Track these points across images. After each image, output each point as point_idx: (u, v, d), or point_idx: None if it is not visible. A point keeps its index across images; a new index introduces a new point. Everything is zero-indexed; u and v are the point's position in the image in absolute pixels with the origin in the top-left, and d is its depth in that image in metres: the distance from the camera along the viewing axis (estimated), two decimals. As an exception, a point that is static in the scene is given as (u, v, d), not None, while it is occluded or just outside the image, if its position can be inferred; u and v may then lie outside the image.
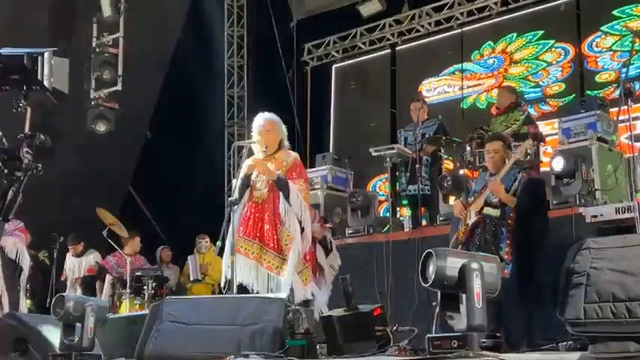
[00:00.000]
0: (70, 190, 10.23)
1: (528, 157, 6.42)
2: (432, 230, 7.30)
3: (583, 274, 3.42)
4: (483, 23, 11.13)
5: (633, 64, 8.90)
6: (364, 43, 12.23)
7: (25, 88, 3.54)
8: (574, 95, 9.87)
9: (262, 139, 5.47)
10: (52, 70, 3.58)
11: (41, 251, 9.39)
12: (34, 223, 7.54)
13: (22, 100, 3.53)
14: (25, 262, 7.12)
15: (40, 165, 3.48)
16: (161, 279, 8.68)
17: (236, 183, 5.52)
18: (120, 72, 9.82)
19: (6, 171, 3.41)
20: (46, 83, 3.55)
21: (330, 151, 11.16)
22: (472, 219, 5.41)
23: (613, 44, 9.80)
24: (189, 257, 9.34)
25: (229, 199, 5.46)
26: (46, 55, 3.56)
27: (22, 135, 3.50)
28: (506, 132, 7.04)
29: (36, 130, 3.55)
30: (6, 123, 3.58)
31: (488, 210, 5.36)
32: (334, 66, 12.69)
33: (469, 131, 7.65)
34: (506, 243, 5.22)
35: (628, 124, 5.17)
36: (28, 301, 7.62)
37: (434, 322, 4.10)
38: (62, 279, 9.38)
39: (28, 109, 3.56)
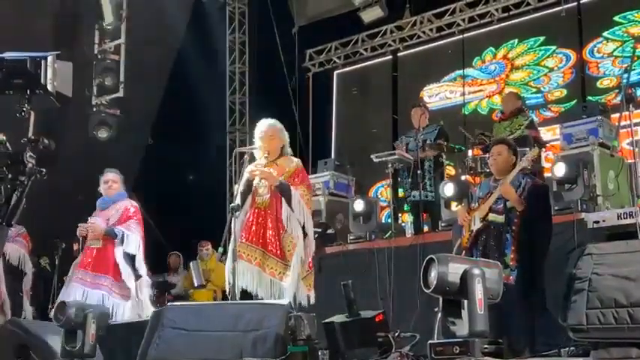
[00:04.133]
0: (72, 197, 10.22)
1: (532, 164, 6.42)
2: (434, 236, 7.28)
3: (585, 279, 3.42)
4: (485, 29, 11.15)
5: (635, 69, 8.91)
6: (366, 49, 12.25)
7: (28, 92, 3.53)
8: (575, 101, 9.87)
9: (264, 145, 5.47)
10: (56, 73, 3.57)
11: (42, 257, 9.39)
12: (35, 229, 7.54)
13: (26, 105, 3.53)
14: (28, 268, 7.13)
15: (44, 170, 3.47)
16: (163, 285, 8.68)
17: (238, 189, 5.52)
18: (122, 78, 9.84)
19: (10, 176, 3.40)
20: (49, 87, 3.55)
21: (332, 157, 11.17)
22: (476, 225, 5.40)
23: (614, 50, 9.81)
24: (191, 263, 9.32)
25: (231, 205, 5.46)
26: (49, 59, 3.56)
27: (26, 139, 3.49)
28: (511, 137, 7.04)
29: (39, 136, 3.54)
30: (10, 127, 3.57)
31: (493, 216, 5.35)
32: (336, 72, 12.71)
33: (471, 136, 7.67)
34: (512, 249, 5.21)
35: (629, 129, 5.17)
36: (31, 308, 7.60)
37: (436, 328, 4.10)
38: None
39: (32, 114, 3.55)
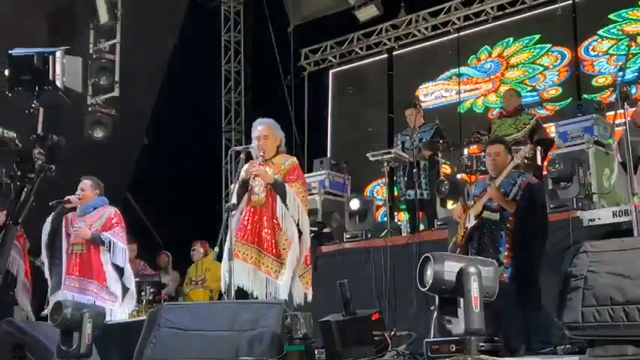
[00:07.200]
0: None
1: (526, 161, 6.43)
2: (430, 235, 7.29)
3: (581, 277, 3.43)
4: (480, 28, 11.15)
5: (629, 67, 8.92)
6: (361, 48, 12.24)
7: (36, 88, 3.50)
8: (571, 99, 9.88)
9: (260, 145, 5.47)
10: (64, 69, 3.54)
11: (38, 258, 9.35)
12: (30, 229, 7.52)
13: (35, 101, 3.50)
14: (18, 269, 7.08)
15: (53, 166, 3.44)
16: (159, 285, 8.66)
17: (234, 188, 5.52)
18: (117, 78, 9.79)
19: (19, 173, 3.37)
20: (58, 83, 3.51)
21: (328, 156, 11.16)
22: (471, 222, 5.41)
23: (609, 48, 9.82)
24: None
25: (227, 204, 5.46)
26: (57, 54, 3.52)
27: (35, 136, 3.46)
28: (517, 135, 7.09)
29: (47, 133, 3.51)
30: (18, 124, 3.54)
31: (487, 214, 5.36)
32: (331, 71, 12.70)
33: (466, 135, 7.67)
34: (506, 247, 5.22)
35: (624, 127, 5.17)
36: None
37: (432, 326, 4.10)
38: None
39: (41, 110, 3.52)
